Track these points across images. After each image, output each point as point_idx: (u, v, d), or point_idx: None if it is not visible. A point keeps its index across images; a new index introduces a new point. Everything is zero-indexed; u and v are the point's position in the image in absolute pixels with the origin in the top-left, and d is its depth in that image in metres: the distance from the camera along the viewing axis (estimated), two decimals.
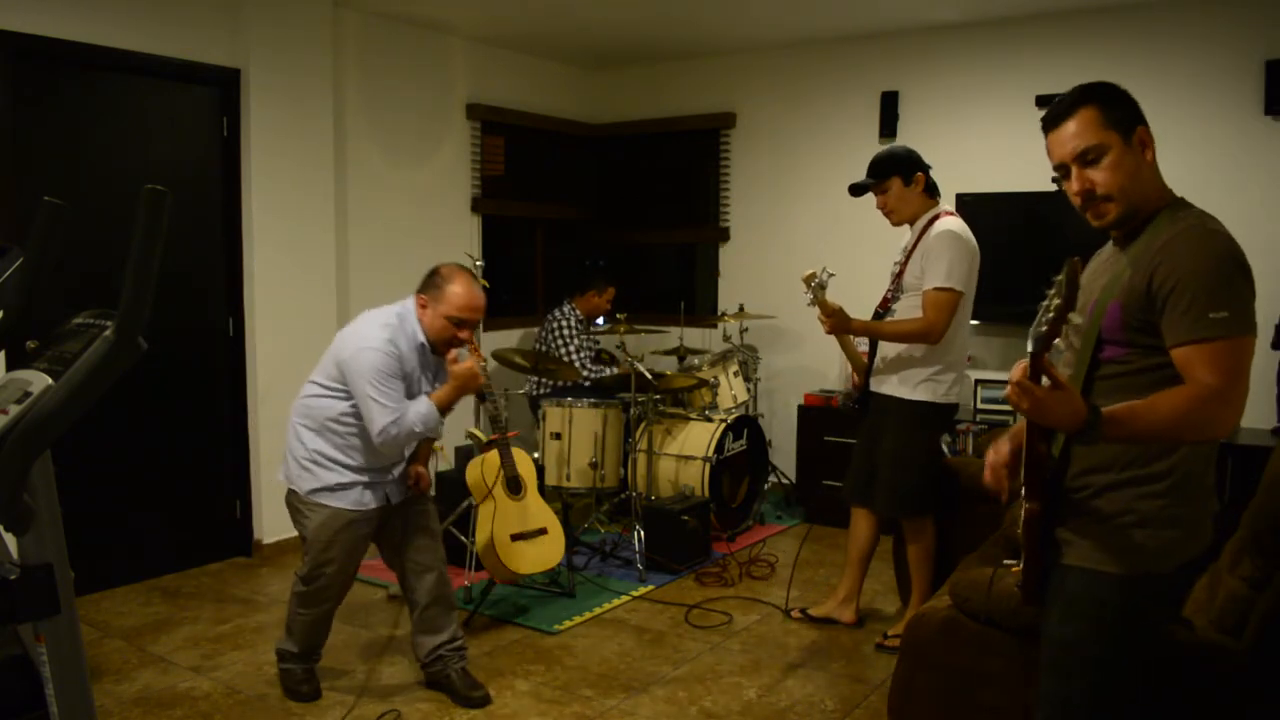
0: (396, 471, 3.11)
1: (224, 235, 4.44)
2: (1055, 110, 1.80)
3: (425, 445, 3.21)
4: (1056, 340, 1.58)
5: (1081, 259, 1.55)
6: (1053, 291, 1.54)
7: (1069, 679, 1.80)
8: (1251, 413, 4.42)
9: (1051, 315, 1.53)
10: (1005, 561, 1.95)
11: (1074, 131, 1.76)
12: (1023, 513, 1.78)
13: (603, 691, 3.25)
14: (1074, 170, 1.78)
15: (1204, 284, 1.64)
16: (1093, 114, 1.75)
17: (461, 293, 2.93)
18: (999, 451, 1.89)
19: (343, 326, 3.13)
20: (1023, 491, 1.76)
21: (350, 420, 2.96)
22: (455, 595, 3.27)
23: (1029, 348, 1.57)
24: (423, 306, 2.97)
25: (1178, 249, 1.69)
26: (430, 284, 2.98)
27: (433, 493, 3.16)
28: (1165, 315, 1.68)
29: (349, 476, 2.99)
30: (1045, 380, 1.57)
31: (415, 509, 3.14)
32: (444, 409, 2.93)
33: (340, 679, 3.30)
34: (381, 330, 2.92)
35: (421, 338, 2.98)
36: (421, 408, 2.89)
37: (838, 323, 3.51)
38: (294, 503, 3.03)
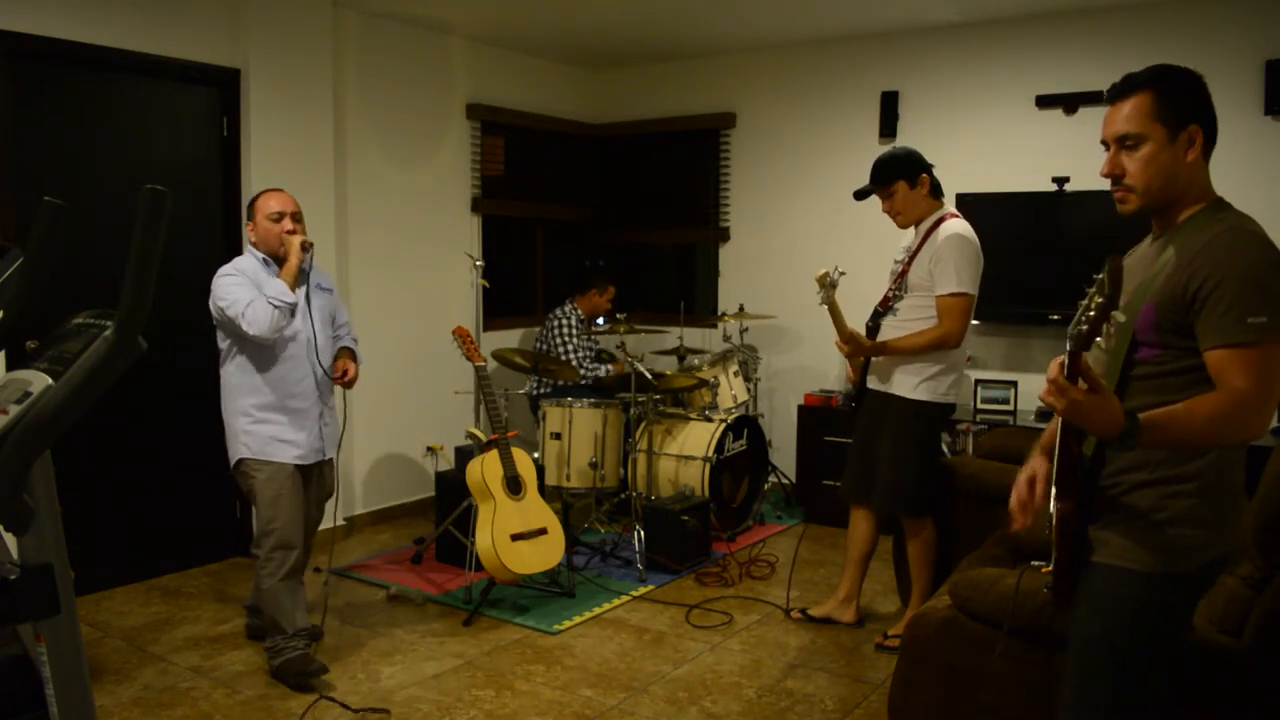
0: (322, 396, 3.38)
1: (224, 235, 4.43)
2: (1118, 87, 1.80)
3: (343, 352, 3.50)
4: (1097, 339, 1.55)
5: (1119, 256, 1.54)
6: (1093, 290, 1.52)
7: (1095, 676, 1.80)
8: None
9: (1093, 313, 1.51)
10: (1034, 563, 1.91)
11: (1124, 114, 1.76)
12: (1054, 513, 1.76)
13: (603, 691, 3.25)
14: (1111, 150, 1.80)
15: (1243, 287, 1.63)
16: (1146, 101, 1.74)
17: (269, 198, 3.30)
18: (1035, 482, 1.82)
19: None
20: (1053, 491, 1.75)
21: (255, 356, 3.25)
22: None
23: (1068, 345, 1.54)
24: (251, 230, 3.32)
25: (1217, 250, 1.67)
26: (248, 213, 3.35)
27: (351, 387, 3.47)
28: (1202, 316, 1.66)
29: (287, 427, 3.28)
30: (1082, 382, 1.55)
31: (326, 476, 3.47)
32: (291, 280, 3.20)
33: (339, 679, 3.30)
34: (224, 269, 3.27)
35: (261, 255, 3.29)
36: (269, 285, 3.18)
37: (854, 349, 3.53)
38: (242, 471, 3.29)
